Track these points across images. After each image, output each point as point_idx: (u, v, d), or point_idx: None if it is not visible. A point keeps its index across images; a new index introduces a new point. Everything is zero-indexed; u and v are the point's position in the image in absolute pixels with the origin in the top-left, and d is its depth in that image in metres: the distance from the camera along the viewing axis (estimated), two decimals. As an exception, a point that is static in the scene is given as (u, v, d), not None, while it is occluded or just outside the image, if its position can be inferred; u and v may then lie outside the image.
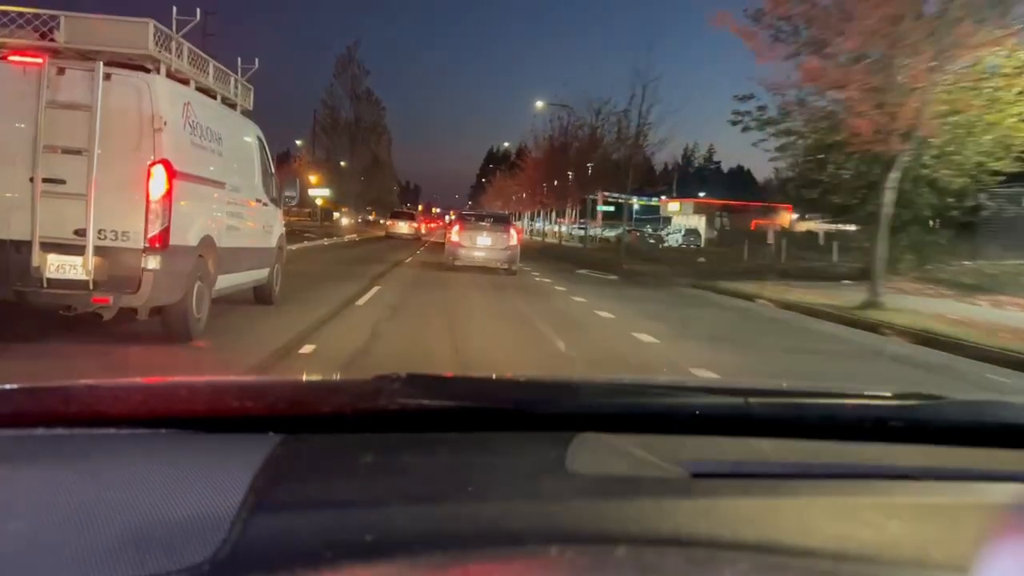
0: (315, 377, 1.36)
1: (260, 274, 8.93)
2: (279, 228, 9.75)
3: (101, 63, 5.68)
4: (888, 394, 1.30)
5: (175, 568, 0.69)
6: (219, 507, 0.78)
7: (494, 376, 1.38)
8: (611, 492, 0.90)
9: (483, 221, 18.12)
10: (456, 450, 1.00)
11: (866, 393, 1.36)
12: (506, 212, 33.60)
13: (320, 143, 57.25)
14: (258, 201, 8.62)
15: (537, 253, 32.14)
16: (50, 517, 0.76)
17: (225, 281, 7.51)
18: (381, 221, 72.17)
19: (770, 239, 31.67)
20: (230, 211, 7.50)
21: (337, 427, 1.02)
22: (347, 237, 37.93)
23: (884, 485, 1.00)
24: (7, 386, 1.02)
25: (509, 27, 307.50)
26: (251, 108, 8.85)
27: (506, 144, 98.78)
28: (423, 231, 44.18)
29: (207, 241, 6.73)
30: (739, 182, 70.23)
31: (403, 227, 40.45)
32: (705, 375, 6.07)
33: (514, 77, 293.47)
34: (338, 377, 1.32)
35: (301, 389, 1.18)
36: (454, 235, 17.68)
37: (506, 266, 17.12)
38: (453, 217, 34.08)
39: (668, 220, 68.07)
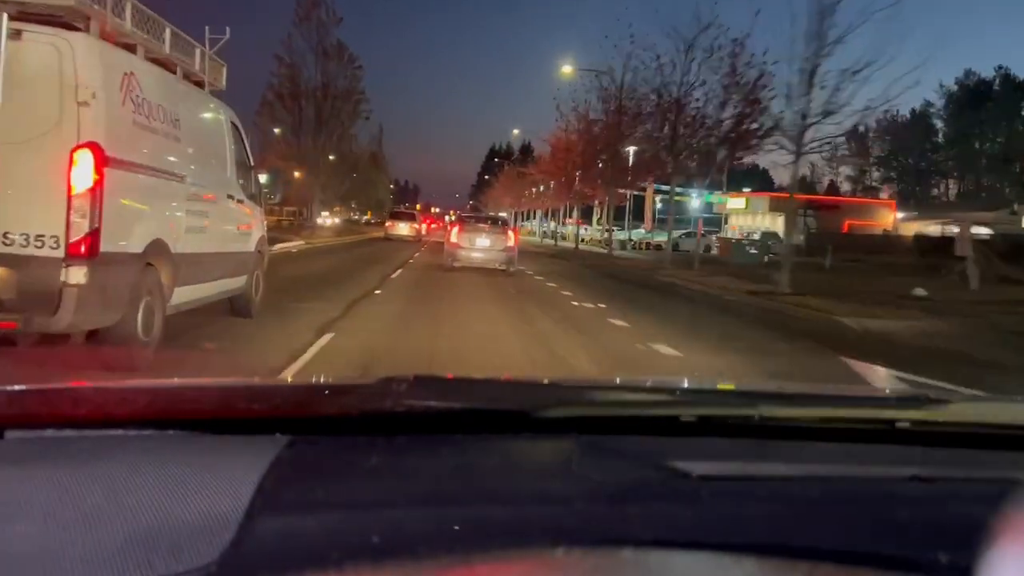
0: (322, 379, 1.32)
1: (235, 283, 7.67)
2: (259, 229, 8.49)
3: (6, 16, 4.39)
4: (894, 396, 1.36)
5: (183, 569, 0.70)
6: (226, 508, 0.79)
7: (500, 378, 1.31)
8: (617, 494, 0.90)
9: (481, 223, 18.56)
10: (462, 452, 1.00)
11: (872, 395, 1.49)
12: (503, 215, 32.81)
13: (274, 115, 40.04)
14: (231, 197, 7.35)
15: (604, 276, 20.82)
16: (58, 518, 0.77)
17: (186, 294, 6.25)
18: (373, 221, 67.61)
19: (964, 251, 19.44)
20: (192, 209, 6.23)
21: (344, 429, 1.01)
22: (295, 245, 24.82)
23: (890, 487, 1.01)
24: (16, 387, 1.02)
25: (511, 14, 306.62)
26: (223, 88, 7.58)
27: (515, 131, 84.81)
28: (424, 232, 42.56)
29: (157, 246, 5.47)
30: (755, 182, 66.55)
31: (403, 228, 38.84)
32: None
33: (519, 68, 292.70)
34: (345, 379, 1.30)
35: (308, 391, 1.18)
36: (453, 236, 17.89)
37: (504, 267, 17.39)
38: (453, 217, 32.94)
39: (721, 220, 54.76)
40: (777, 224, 44.23)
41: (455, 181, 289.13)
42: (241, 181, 7.74)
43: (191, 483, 0.82)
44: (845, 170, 74.56)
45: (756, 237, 41.03)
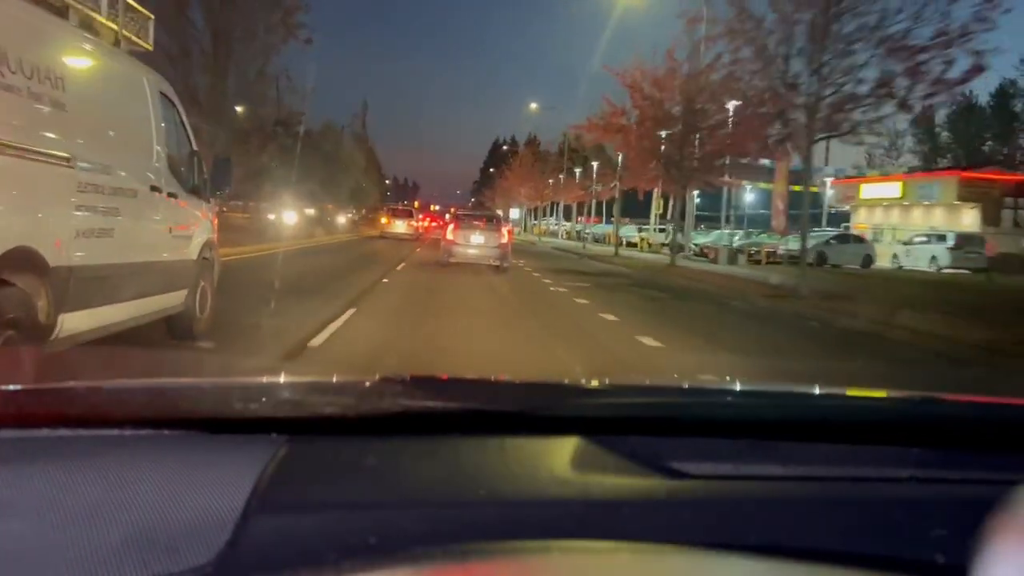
0: (319, 378, 1.27)
1: (168, 301, 6.14)
2: (204, 231, 6.94)
3: None
4: (891, 396, 1.33)
5: (179, 569, 0.73)
6: (223, 508, 0.80)
7: (496, 378, 1.31)
8: (612, 494, 0.92)
9: (477, 221, 19.54)
10: (458, 452, 1.01)
11: (867, 394, 1.41)
12: (514, 211, 31.06)
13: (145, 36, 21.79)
14: (156, 190, 5.77)
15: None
16: (54, 518, 0.78)
17: (85, 320, 4.73)
18: (353, 218, 57.40)
19: None
20: (89, 205, 4.68)
21: (340, 429, 1.03)
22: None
23: (885, 486, 1.04)
24: (10, 387, 1.03)
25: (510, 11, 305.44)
26: (150, 47, 6.01)
27: (532, 106, 66.05)
28: (422, 231, 41.08)
29: (21, 257, 3.94)
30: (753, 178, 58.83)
31: (400, 226, 38.11)
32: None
33: (521, 66, 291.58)
34: (341, 379, 1.24)
35: (305, 390, 1.20)
36: (449, 234, 18.86)
37: (497, 263, 18.20)
38: (452, 214, 31.56)
39: (836, 217, 40.82)
40: (963, 221, 29.94)
41: (456, 179, 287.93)
42: (174, 169, 6.19)
43: (187, 483, 0.83)
44: (907, 159, 62.24)
45: (922, 240, 29.04)
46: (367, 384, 1.09)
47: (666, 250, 33.19)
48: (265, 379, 1.24)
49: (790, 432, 1.12)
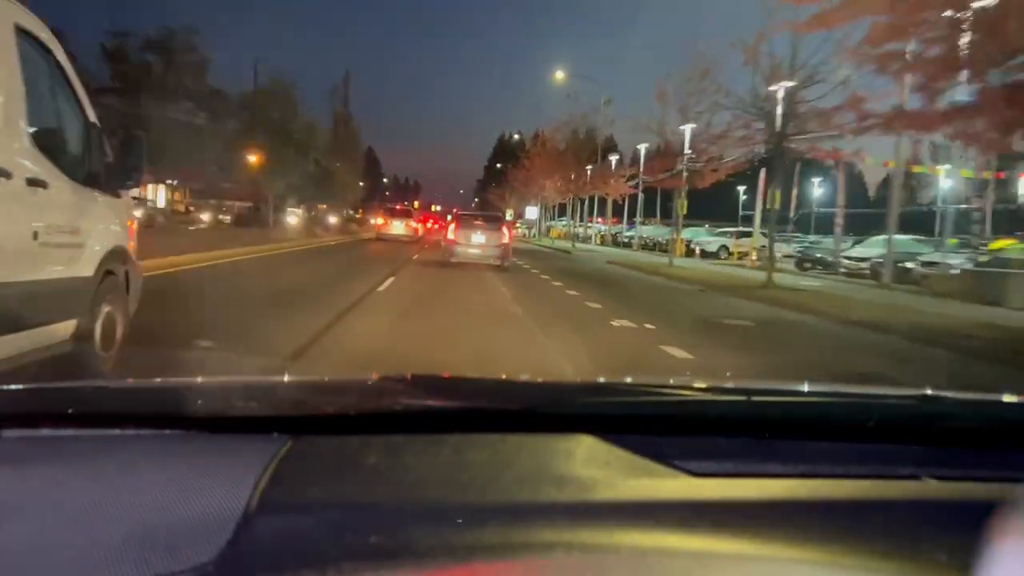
0: (320, 378, 1.30)
1: (41, 337, 4.28)
2: (108, 237, 5.02)
3: None
4: (890, 393, 1.37)
5: (180, 568, 0.71)
6: (224, 508, 0.80)
7: (497, 377, 1.34)
8: (616, 492, 0.93)
9: (478, 220, 20.35)
10: (459, 451, 1.01)
11: (868, 393, 1.41)
12: (532, 211, 29.24)
13: None
14: (3, 175, 3.81)
15: None
16: (55, 518, 0.78)
17: None
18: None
19: None
20: None
21: (342, 428, 1.03)
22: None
23: (886, 485, 1.03)
24: (13, 387, 1.04)
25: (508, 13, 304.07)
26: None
27: (558, 74, 50.48)
28: (422, 232, 38.99)
29: None
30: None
31: (399, 227, 36.27)
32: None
33: (522, 65, 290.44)
34: (343, 378, 1.31)
35: (306, 390, 1.21)
36: (451, 233, 19.62)
37: (498, 262, 18.77)
38: (454, 215, 29.65)
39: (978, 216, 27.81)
40: None
41: (459, 179, 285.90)
42: (49, 147, 4.25)
43: (188, 482, 0.84)
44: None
45: None
46: (368, 383, 1.14)
47: (782, 261, 23.39)
48: (266, 379, 1.24)
49: (793, 431, 1.13)
